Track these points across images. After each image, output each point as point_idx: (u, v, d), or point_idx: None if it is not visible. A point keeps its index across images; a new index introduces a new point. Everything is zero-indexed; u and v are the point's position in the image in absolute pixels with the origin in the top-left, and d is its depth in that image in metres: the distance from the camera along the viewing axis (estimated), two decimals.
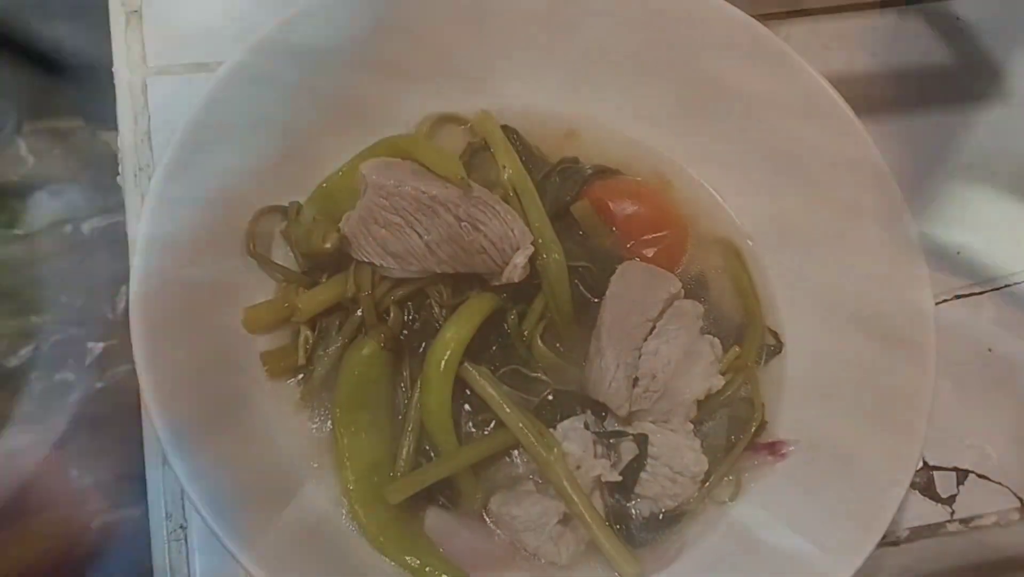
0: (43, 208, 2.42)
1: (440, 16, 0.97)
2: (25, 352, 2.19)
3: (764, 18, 0.96)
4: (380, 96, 0.98)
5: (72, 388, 2.21)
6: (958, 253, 1.10)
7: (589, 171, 1.00)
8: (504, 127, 0.99)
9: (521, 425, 0.86)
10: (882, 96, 1.17)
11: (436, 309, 0.91)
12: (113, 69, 1.04)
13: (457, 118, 1.01)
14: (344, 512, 0.86)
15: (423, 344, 0.90)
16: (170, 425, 0.76)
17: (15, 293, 2.26)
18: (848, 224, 0.93)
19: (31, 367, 2.23)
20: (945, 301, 1.07)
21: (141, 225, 0.80)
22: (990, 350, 1.06)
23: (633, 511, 0.89)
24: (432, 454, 0.88)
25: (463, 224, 0.87)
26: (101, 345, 2.12)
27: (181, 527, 0.89)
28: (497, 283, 0.90)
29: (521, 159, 0.97)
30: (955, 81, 1.20)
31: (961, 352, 1.05)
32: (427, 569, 0.83)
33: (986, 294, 1.08)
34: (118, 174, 1.01)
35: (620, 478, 0.87)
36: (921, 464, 1.01)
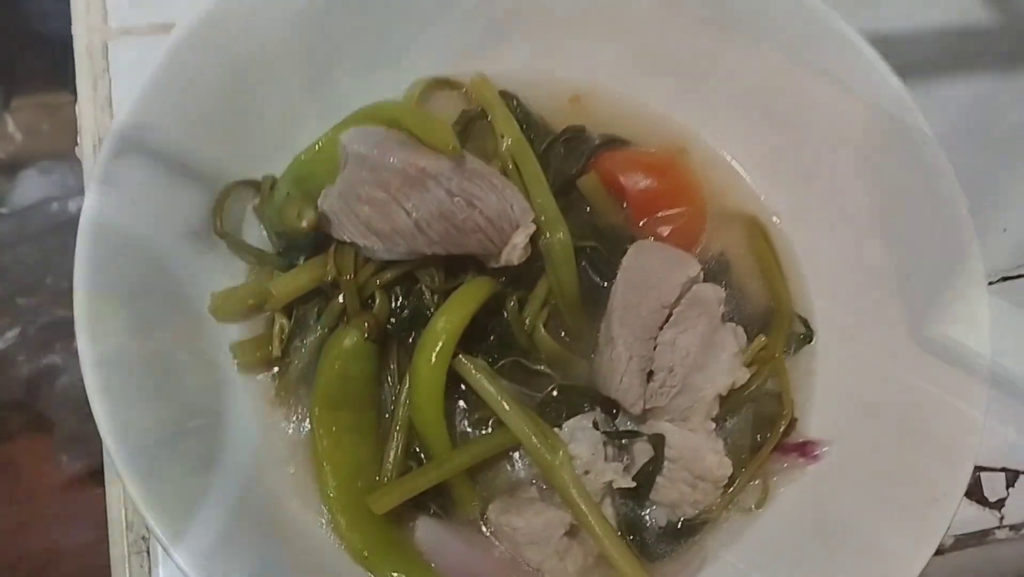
0: (32, 186, 2.37)
1: None
2: (11, 335, 2.16)
3: None
4: (365, 58, 0.90)
5: (60, 372, 2.14)
6: (1004, 231, 1.01)
7: (597, 141, 0.93)
8: (502, 92, 0.92)
9: (522, 424, 0.78)
10: (919, 60, 1.07)
11: (427, 295, 0.83)
12: (72, 31, 0.94)
13: (451, 83, 0.94)
14: (324, 522, 0.79)
15: (412, 334, 0.83)
16: (119, 429, 0.67)
17: (1, 274, 2.20)
18: (889, 198, 0.85)
19: (17, 350, 2.19)
20: (990, 284, 0.97)
21: (87, 200, 0.72)
22: None
23: (648, 520, 0.82)
24: (423, 457, 0.81)
25: (456, 200, 0.79)
26: None
27: (143, 538, 0.82)
28: (495, 265, 0.83)
29: (522, 128, 0.90)
30: (997, 43, 1.10)
31: (1009, 340, 0.96)
32: None
33: None
34: (76, 144, 0.92)
35: (633, 484, 0.80)
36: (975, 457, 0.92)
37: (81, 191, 2.20)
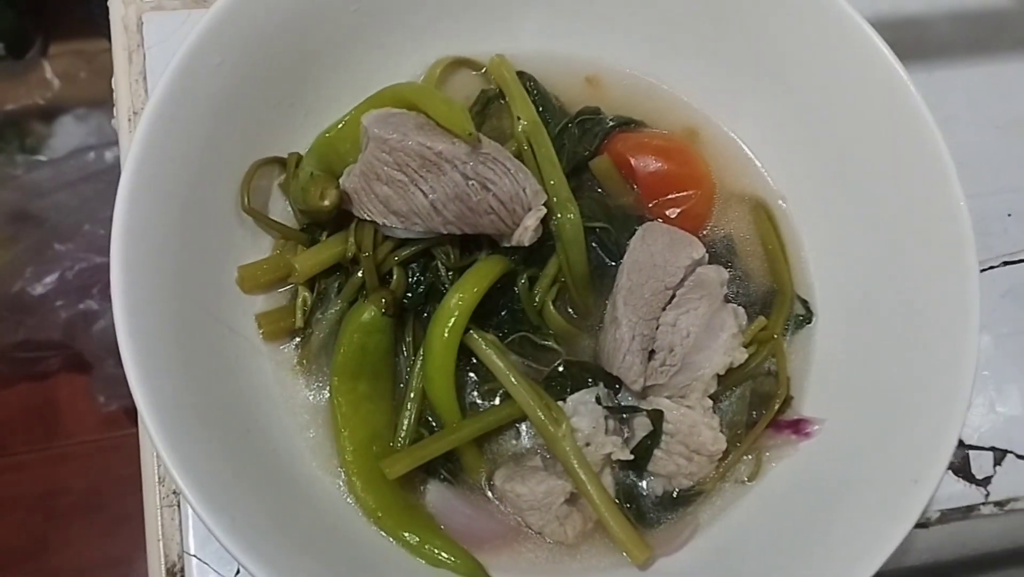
0: (69, 133, 2.40)
1: None
2: (50, 280, 2.22)
3: None
4: (389, 36, 0.93)
5: (97, 317, 2.20)
6: (1009, 215, 1.03)
7: (610, 123, 0.94)
8: (520, 73, 0.93)
9: (528, 398, 0.82)
10: (936, 41, 1.09)
11: (442, 271, 0.86)
12: (108, 3, 0.98)
13: (470, 63, 0.95)
14: (341, 484, 0.83)
15: (427, 308, 0.86)
16: (151, 390, 0.71)
17: (40, 220, 2.26)
18: (888, 185, 0.86)
19: (56, 295, 2.24)
20: (991, 268, 1.00)
21: (124, 174, 0.74)
22: None
23: (645, 490, 0.85)
24: (434, 425, 0.85)
25: (471, 183, 0.81)
26: None
27: (174, 493, 0.86)
28: (507, 244, 0.86)
29: (538, 109, 0.91)
30: (1014, 26, 1.11)
31: (1006, 323, 0.99)
32: (426, 547, 0.80)
33: None
34: (113, 116, 0.96)
35: (632, 456, 0.83)
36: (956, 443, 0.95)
37: (116, 141, 2.24)
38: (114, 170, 2.17)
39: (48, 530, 2.18)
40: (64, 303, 2.15)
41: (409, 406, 0.84)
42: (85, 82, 2.41)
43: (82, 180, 2.19)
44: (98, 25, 2.31)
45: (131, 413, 2.33)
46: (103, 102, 2.38)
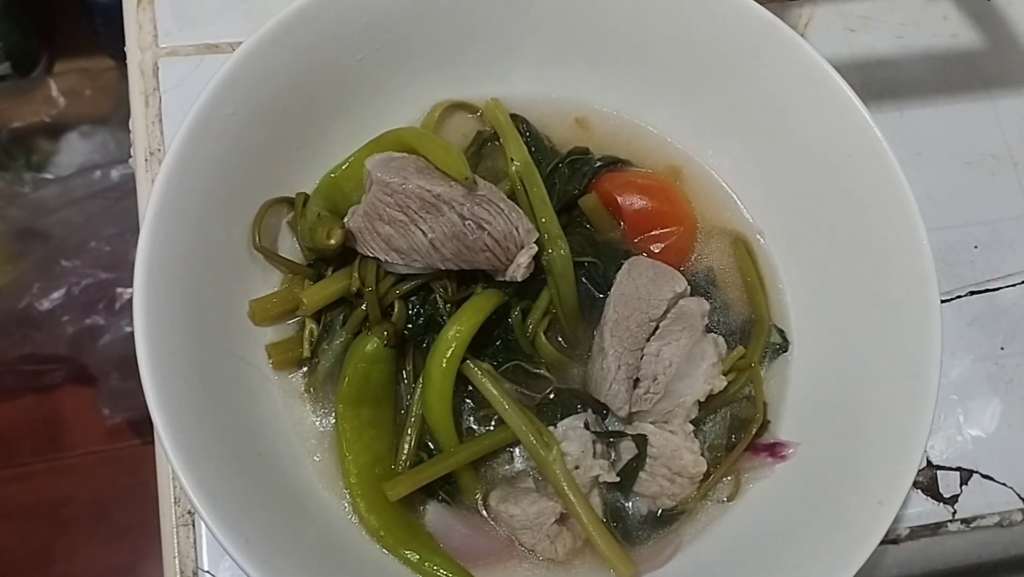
0: (74, 150, 2.43)
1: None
2: (57, 296, 2.25)
3: None
4: (391, 83, 0.97)
5: (102, 331, 2.25)
6: (975, 247, 1.08)
7: (598, 163, 0.98)
8: (513, 116, 0.98)
9: (521, 423, 0.86)
10: (907, 81, 1.14)
11: (441, 304, 0.90)
12: (125, 49, 1.03)
13: (468, 106, 1.00)
14: (346, 505, 0.87)
15: (427, 339, 0.90)
16: (170, 416, 0.75)
17: (47, 237, 2.30)
18: (857, 222, 0.91)
19: (63, 310, 2.28)
20: (959, 297, 1.06)
21: (146, 217, 0.78)
22: (1002, 348, 1.05)
23: (631, 510, 0.90)
24: (433, 449, 0.89)
25: (467, 222, 0.86)
26: (131, 290, 2.17)
27: (189, 513, 0.91)
28: (501, 279, 0.90)
29: (530, 150, 0.96)
30: (983, 66, 1.16)
31: (972, 349, 1.04)
32: (426, 564, 0.84)
33: (1001, 290, 1.07)
34: (130, 156, 1.01)
35: (618, 478, 0.88)
36: (925, 463, 1.01)
37: (121, 159, 2.31)
38: (119, 188, 2.22)
39: (53, 539, 2.22)
40: (70, 318, 2.19)
41: (409, 431, 0.88)
42: (90, 100, 2.45)
43: (88, 197, 2.23)
44: (102, 43, 2.36)
45: (135, 425, 2.39)
46: (107, 119, 2.43)
